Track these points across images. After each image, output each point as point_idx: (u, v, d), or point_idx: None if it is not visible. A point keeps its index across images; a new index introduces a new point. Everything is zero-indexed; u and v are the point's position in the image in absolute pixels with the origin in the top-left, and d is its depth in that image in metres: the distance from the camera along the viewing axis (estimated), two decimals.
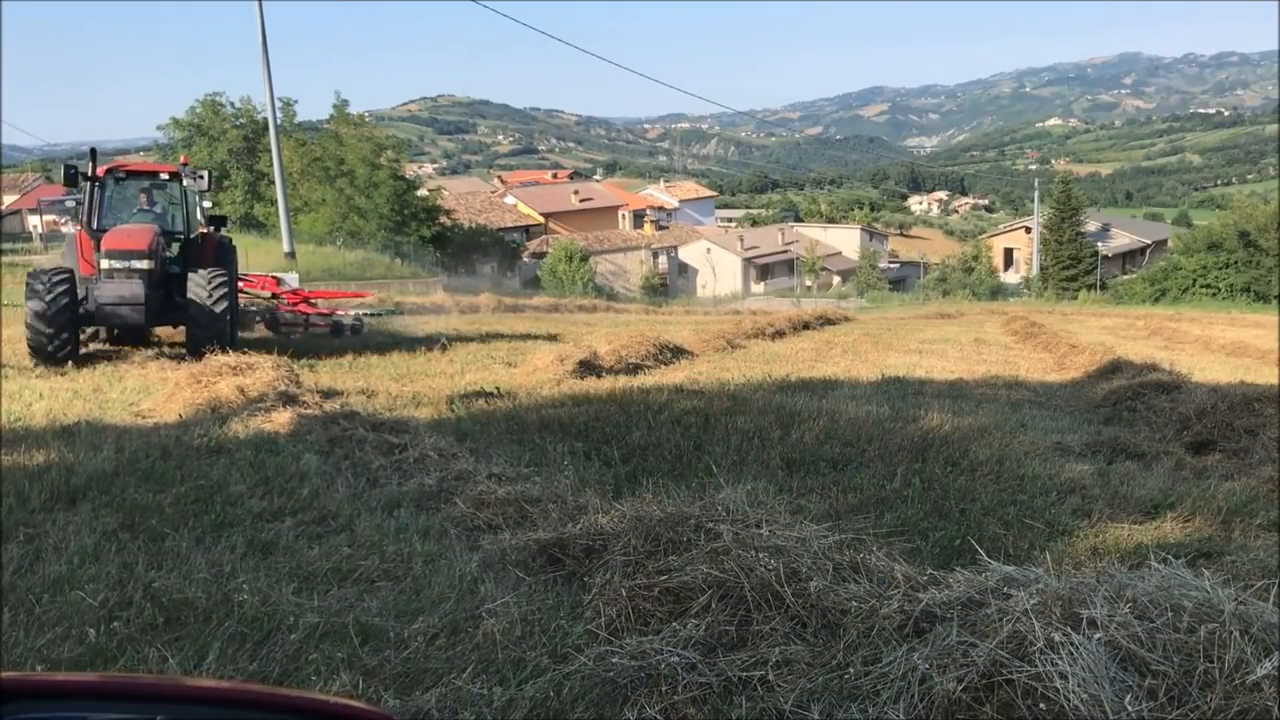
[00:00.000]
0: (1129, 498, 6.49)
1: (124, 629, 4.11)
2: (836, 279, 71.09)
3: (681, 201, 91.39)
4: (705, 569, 4.20)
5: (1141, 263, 68.73)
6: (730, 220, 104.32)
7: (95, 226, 14.55)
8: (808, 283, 67.62)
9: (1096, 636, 3.15)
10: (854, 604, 3.95)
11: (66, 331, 13.22)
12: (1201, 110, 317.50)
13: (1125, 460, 7.91)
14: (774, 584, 4.06)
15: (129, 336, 15.49)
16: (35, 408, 9.84)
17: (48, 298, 13.07)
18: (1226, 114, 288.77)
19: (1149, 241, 74.20)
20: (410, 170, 59.96)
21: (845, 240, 78.70)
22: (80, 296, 13.71)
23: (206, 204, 16.96)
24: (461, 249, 51.20)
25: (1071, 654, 3.08)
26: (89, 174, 14.58)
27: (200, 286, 14.07)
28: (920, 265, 75.25)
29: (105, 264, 13.65)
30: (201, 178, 15.82)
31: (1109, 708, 2.92)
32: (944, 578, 4.12)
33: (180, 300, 14.16)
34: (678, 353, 16.42)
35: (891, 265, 78.24)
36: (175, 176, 15.58)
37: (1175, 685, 2.99)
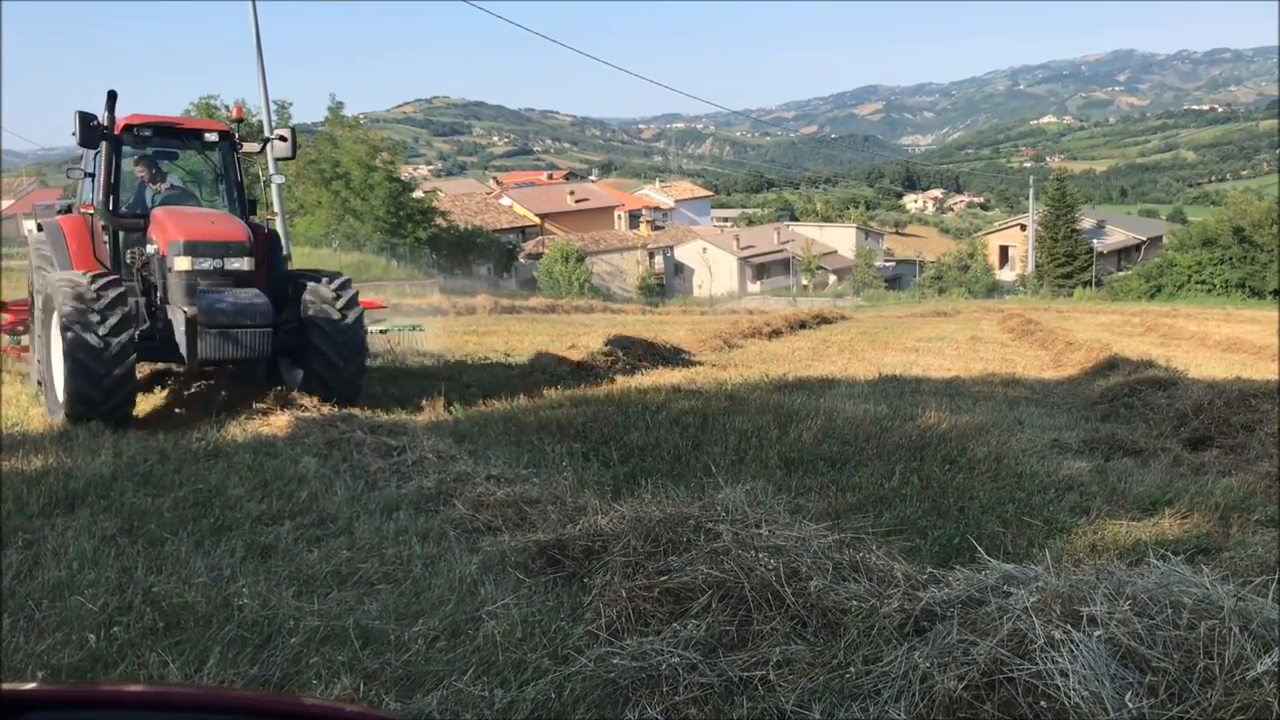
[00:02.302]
0: (1127, 494, 6.50)
1: (124, 634, 4.10)
2: (832, 278, 71.10)
3: (677, 201, 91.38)
4: (705, 569, 4.20)
5: (1137, 259, 68.80)
6: (726, 220, 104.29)
7: (115, 209, 10.16)
8: (804, 282, 67.63)
9: (1097, 634, 3.16)
10: (854, 603, 3.95)
11: (126, 375, 8.97)
12: (1195, 107, 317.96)
13: (1123, 457, 7.92)
14: (774, 584, 4.06)
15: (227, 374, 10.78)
16: (32, 413, 9.82)
17: (104, 327, 8.70)
18: (1220, 110, 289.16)
19: (1144, 238, 74.29)
20: (406, 172, 59.90)
21: (841, 239, 78.71)
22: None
23: (279, 179, 13.33)
24: (458, 250, 51.16)
25: (1072, 652, 3.09)
26: (107, 129, 9.88)
27: (326, 303, 9.99)
28: (916, 263, 75.27)
29: (183, 263, 9.35)
30: (284, 139, 11.20)
31: (1109, 705, 2.93)
32: (944, 576, 4.12)
33: (181, 329, 9.47)
34: (675, 352, 16.43)
35: (887, 264, 78.25)
36: (225, 138, 10.86)
37: (1175, 682, 3.00)
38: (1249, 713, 2.85)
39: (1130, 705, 2.92)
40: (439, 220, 51.54)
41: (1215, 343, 21.89)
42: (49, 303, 9.57)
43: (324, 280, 10.28)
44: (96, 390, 8.70)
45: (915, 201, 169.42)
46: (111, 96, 9.91)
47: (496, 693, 3.60)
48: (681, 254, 68.49)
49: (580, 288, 50.62)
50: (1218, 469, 7.36)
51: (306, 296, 10.04)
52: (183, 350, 9.34)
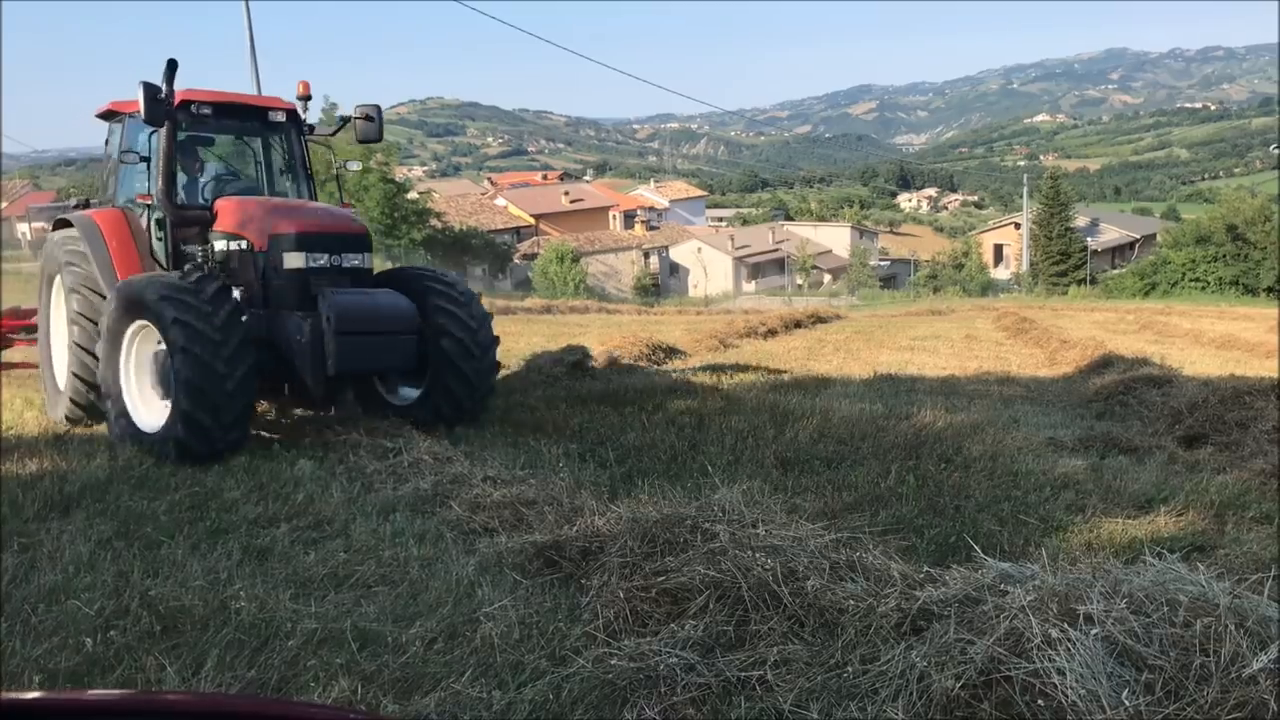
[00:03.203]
0: (1122, 492, 6.51)
1: (121, 638, 4.09)
2: (827, 277, 71.17)
3: (672, 201, 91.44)
4: (702, 569, 4.20)
5: (1131, 257, 68.99)
6: (721, 220, 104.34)
7: (176, 199, 8.74)
8: (799, 281, 67.68)
9: (1093, 632, 3.16)
10: (851, 603, 3.95)
11: (245, 399, 7.60)
12: (1188, 105, 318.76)
13: (1118, 455, 7.94)
14: (771, 584, 4.07)
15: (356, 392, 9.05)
16: (27, 416, 9.80)
17: (228, 348, 7.35)
18: (1213, 108, 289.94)
19: (1138, 236, 74.49)
20: (400, 173, 59.84)
21: (836, 238, 78.81)
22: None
23: (354, 166, 11.21)
24: (453, 251, 51.13)
25: (1069, 650, 3.10)
26: (167, 100, 8.21)
27: (458, 308, 8.61)
28: (911, 262, 75.38)
29: (295, 260, 8.12)
30: (370, 118, 9.67)
31: (1107, 703, 2.93)
32: (940, 575, 4.13)
33: (296, 339, 8.06)
34: (670, 352, 16.43)
35: (882, 263, 78.34)
36: (292, 118, 9.68)
37: (1172, 679, 3.01)
38: (1245, 710, 2.86)
39: (1127, 703, 2.93)
40: (434, 221, 51.51)
41: (1209, 340, 21.94)
42: (84, 305, 8.73)
43: (446, 281, 8.87)
44: (217, 424, 7.30)
45: (910, 200, 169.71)
46: (171, 66, 8.26)
47: (494, 694, 3.60)
48: (676, 254, 68.54)
49: (575, 288, 50.62)
50: (1212, 466, 7.38)
51: (436, 300, 8.50)
52: (302, 364, 7.87)
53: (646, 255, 66.75)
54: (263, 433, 8.59)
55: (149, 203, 8.85)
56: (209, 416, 7.28)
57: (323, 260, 8.27)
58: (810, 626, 3.91)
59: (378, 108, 9.77)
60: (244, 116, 9.57)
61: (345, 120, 9.87)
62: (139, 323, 7.86)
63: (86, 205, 10.24)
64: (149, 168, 8.95)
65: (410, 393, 8.92)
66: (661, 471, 7.01)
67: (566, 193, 78.89)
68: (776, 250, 72.17)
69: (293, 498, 6.40)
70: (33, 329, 13.47)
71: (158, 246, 8.99)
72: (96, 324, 8.45)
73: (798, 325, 25.75)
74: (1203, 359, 17.52)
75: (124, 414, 7.93)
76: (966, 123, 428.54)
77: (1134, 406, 10.32)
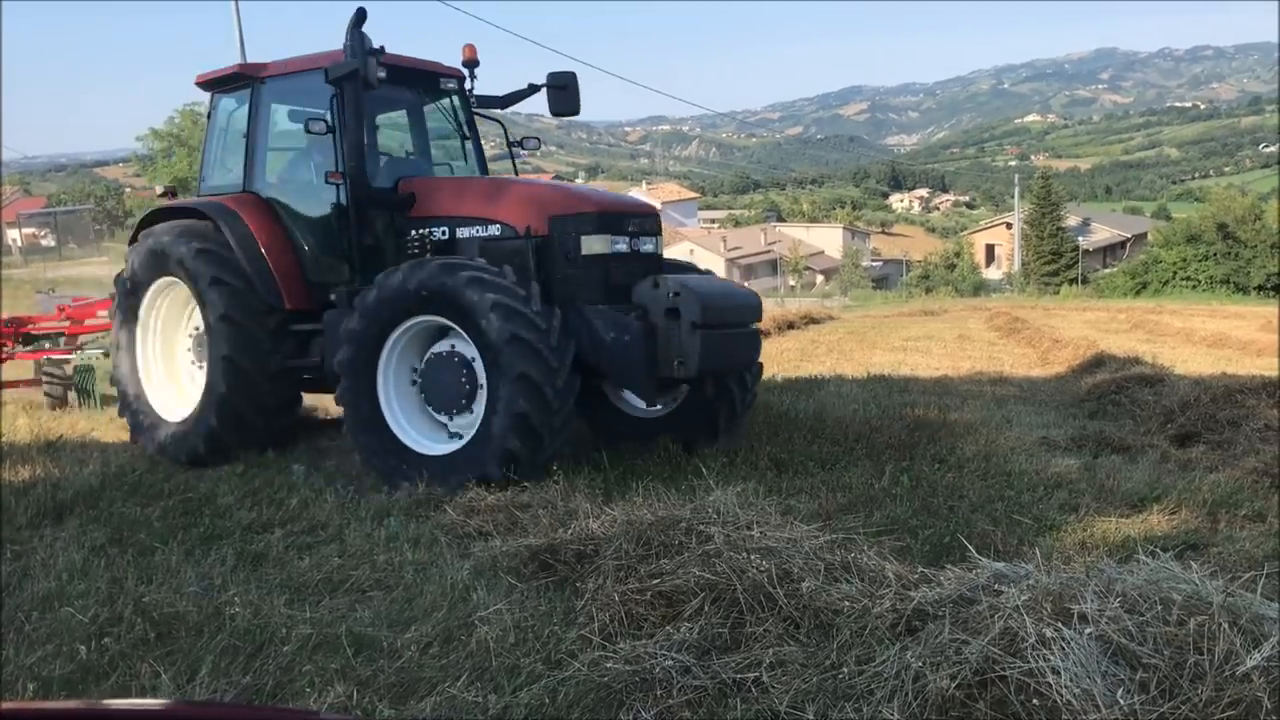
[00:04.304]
0: (1115, 491, 6.53)
1: (115, 645, 4.08)
2: (820, 278, 71.30)
3: (664, 203, 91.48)
4: (697, 572, 4.20)
5: (1122, 256, 69.19)
6: (713, 221, 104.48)
7: (365, 178, 7.48)
8: (791, 282, 67.78)
9: (1087, 631, 3.17)
10: (846, 604, 3.96)
11: (567, 430, 6.80)
12: (1178, 104, 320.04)
13: (1111, 454, 7.96)
14: (766, 585, 4.06)
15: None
16: (19, 423, 9.78)
17: (562, 377, 6.50)
18: (1203, 107, 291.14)
19: (1129, 235, 74.76)
20: None
21: (828, 239, 78.97)
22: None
23: (533, 142, 9.41)
24: None
25: (1063, 649, 3.10)
26: (373, 55, 7.17)
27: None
28: (903, 263, 75.57)
29: (597, 244, 7.08)
30: (562, 86, 8.49)
31: (1101, 702, 2.94)
32: (935, 575, 4.14)
33: (611, 338, 6.77)
34: None
35: (874, 263, 78.53)
36: (462, 85, 8.66)
37: (1166, 678, 3.01)
38: (1239, 708, 2.87)
39: (1122, 702, 2.93)
40: None
41: (1201, 339, 22.00)
42: (235, 307, 7.68)
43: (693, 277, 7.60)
44: (539, 452, 6.51)
45: (901, 201, 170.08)
46: (360, 15, 7.07)
47: (490, 698, 3.59)
48: (669, 255, 68.49)
49: None
50: (1205, 465, 7.40)
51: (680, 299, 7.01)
52: (626, 366, 6.76)
53: None
54: None
55: (339, 181, 7.64)
56: (531, 451, 6.43)
57: (622, 245, 7.20)
58: (805, 628, 3.91)
59: (573, 75, 8.56)
60: (415, 84, 8.48)
61: (534, 88, 8.62)
62: (408, 325, 6.88)
63: (174, 194, 9.52)
64: (335, 140, 7.59)
65: (655, 404, 7.66)
66: (655, 474, 7.01)
67: None
68: (769, 251, 72.29)
69: (286, 503, 6.40)
70: (31, 339, 13.23)
71: (313, 235, 7.98)
72: (250, 328, 7.72)
73: (790, 326, 25.78)
74: (1194, 358, 17.57)
75: (395, 445, 6.94)
76: (957, 123, 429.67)
77: (1126, 406, 10.34)
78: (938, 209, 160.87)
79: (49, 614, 4.46)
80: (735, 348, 7.16)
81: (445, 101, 8.79)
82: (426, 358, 6.97)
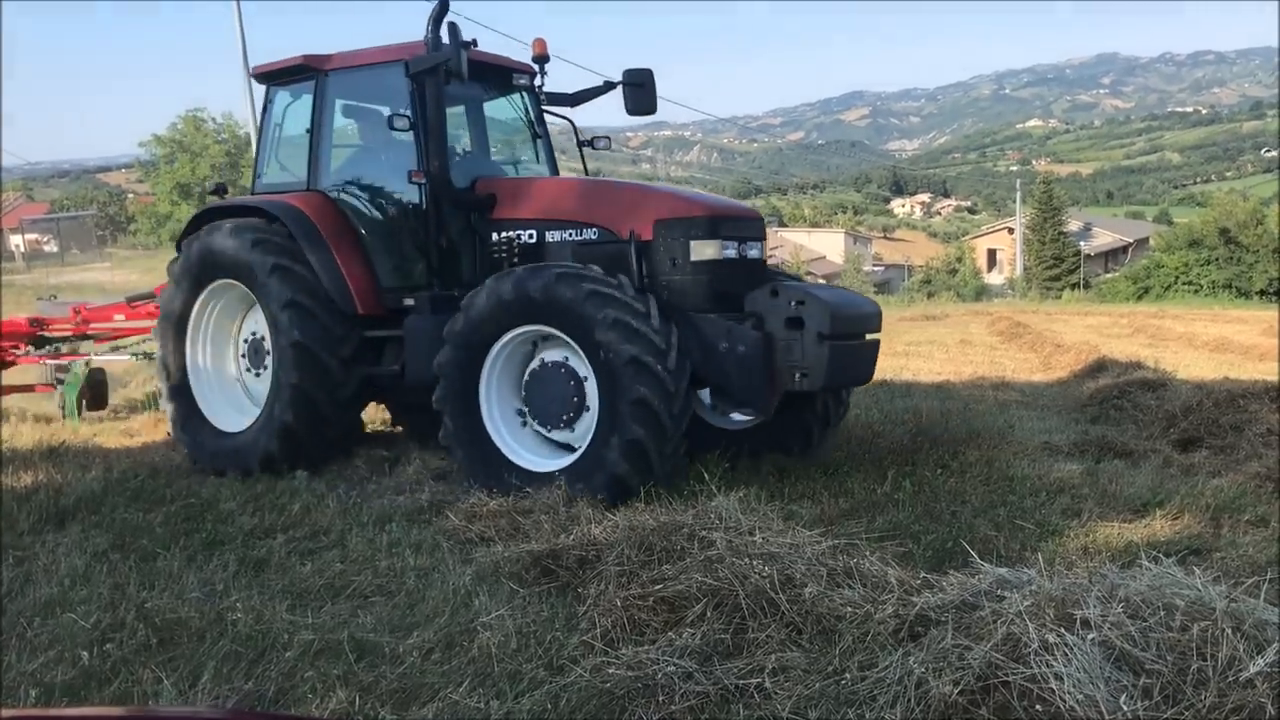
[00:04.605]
0: (1118, 496, 6.52)
1: (117, 651, 4.08)
2: (821, 283, 71.28)
3: None
4: (700, 577, 4.20)
5: (1124, 261, 69.18)
6: None
7: (448, 177, 7.22)
8: None
9: (1090, 637, 3.17)
10: (849, 609, 3.96)
11: (680, 436, 6.32)
12: (1179, 109, 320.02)
13: (1113, 459, 7.94)
14: (768, 591, 4.06)
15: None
16: (21, 429, 9.79)
17: (679, 401, 6.16)
18: (1204, 112, 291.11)
19: (1131, 240, 74.75)
20: None
21: (830, 244, 78.91)
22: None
23: (603, 142, 8.87)
24: None
25: (1066, 655, 3.10)
26: (466, 48, 6.89)
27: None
28: (905, 268, 75.56)
29: (708, 250, 6.71)
30: (642, 85, 8.11)
31: (1104, 708, 2.94)
32: (937, 581, 4.14)
33: (724, 349, 6.42)
34: None
35: (876, 268, 78.47)
36: (532, 82, 8.36)
37: (1170, 684, 3.01)
38: (1243, 714, 2.86)
39: (1125, 708, 2.93)
40: None
41: (1203, 343, 21.98)
42: (304, 315, 7.30)
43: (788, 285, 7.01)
44: (648, 477, 6.09)
45: (903, 206, 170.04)
46: (444, 5, 6.88)
47: (492, 704, 3.59)
48: None
49: None
50: (1208, 470, 7.38)
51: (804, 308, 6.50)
52: (739, 379, 6.36)
53: None
54: None
55: (421, 181, 7.31)
56: (640, 477, 6.07)
57: (731, 250, 6.83)
58: (808, 633, 3.91)
59: (649, 72, 8.14)
60: (486, 79, 8.02)
61: (609, 85, 8.24)
62: (515, 334, 6.58)
63: (224, 191, 9.14)
64: (419, 137, 7.30)
65: (743, 416, 7.02)
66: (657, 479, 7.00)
67: None
68: (771, 256, 71.93)
69: (289, 508, 6.40)
70: (44, 341, 12.14)
71: (387, 237, 7.63)
72: (323, 357, 7.35)
73: None
74: (1197, 362, 17.55)
75: (497, 457, 6.63)
76: (959, 128, 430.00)
77: (1129, 410, 10.32)
78: (939, 214, 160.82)
79: (51, 620, 4.47)
80: (859, 360, 6.77)
81: (516, 98, 8.47)
82: (530, 369, 6.66)
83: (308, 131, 7.93)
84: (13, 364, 12.17)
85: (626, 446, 6.05)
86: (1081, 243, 67.11)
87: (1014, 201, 73.55)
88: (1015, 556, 5.03)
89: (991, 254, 77.17)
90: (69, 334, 12.26)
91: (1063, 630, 3.21)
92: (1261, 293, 46.16)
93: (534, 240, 7.21)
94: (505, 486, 6.30)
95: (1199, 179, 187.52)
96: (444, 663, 3.98)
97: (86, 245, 55.74)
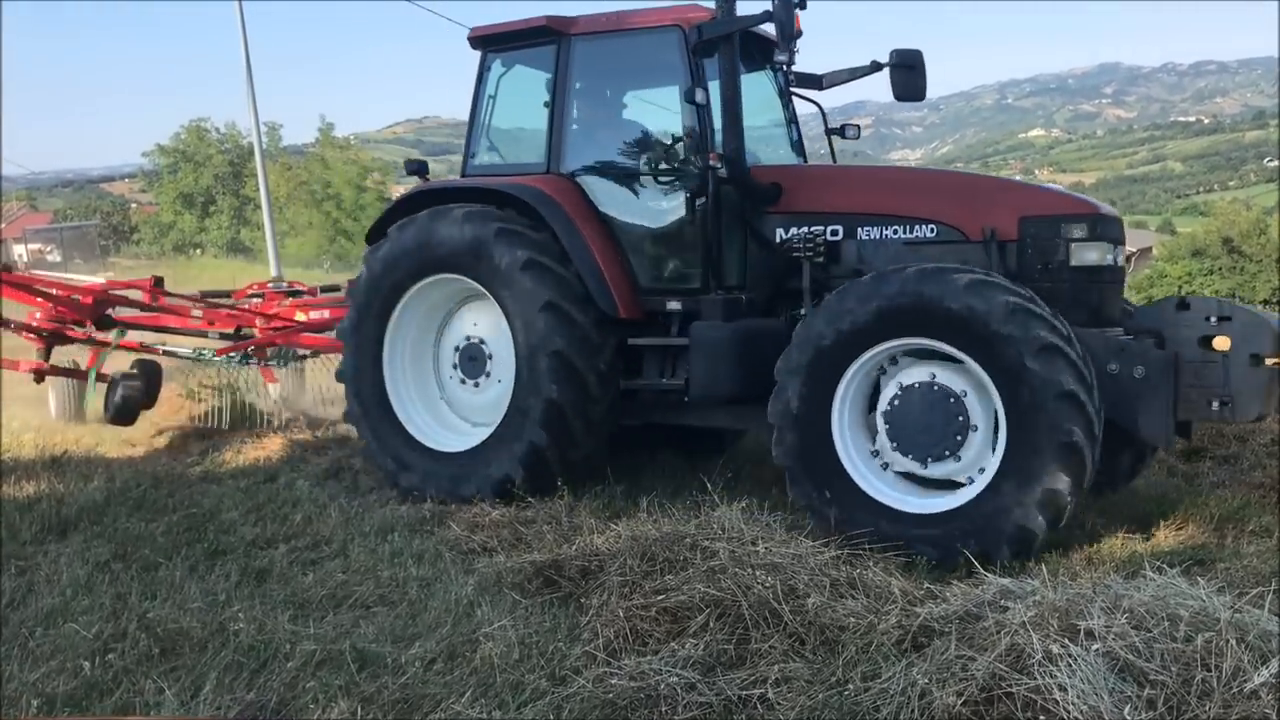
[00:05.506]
0: (1121, 507, 6.50)
1: (119, 661, 4.08)
2: None
3: None
4: (703, 588, 4.19)
5: (1127, 270, 69.17)
6: None
7: (744, 163, 6.32)
8: None
9: (1094, 647, 3.16)
10: (852, 620, 3.95)
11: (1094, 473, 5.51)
12: (1182, 118, 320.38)
13: None
14: (771, 601, 4.06)
15: None
16: (24, 439, 9.79)
17: (1096, 395, 5.32)
18: (1206, 121, 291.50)
19: (1134, 249, 74.49)
20: (397, 192, 60.04)
21: None
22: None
23: (852, 133, 7.94)
24: None
25: (1070, 666, 3.09)
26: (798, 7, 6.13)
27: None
28: None
29: (1093, 253, 5.88)
30: (913, 67, 6.81)
31: (1108, 719, 2.93)
32: (941, 591, 4.13)
33: (1117, 370, 5.54)
34: None
35: None
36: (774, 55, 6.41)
37: (1174, 695, 3.00)
38: None
39: (1129, 719, 2.92)
40: None
41: None
42: (563, 318, 6.40)
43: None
44: (1055, 529, 5.32)
45: None
46: None
47: (495, 715, 3.59)
48: None
49: None
50: (1211, 480, 7.37)
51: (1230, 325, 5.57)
52: (1140, 409, 5.44)
53: None
54: (255, 455, 8.56)
55: (718, 164, 6.24)
56: (1050, 529, 5.25)
57: (1110, 256, 5.96)
58: (811, 644, 3.90)
59: (919, 53, 6.80)
60: (750, 55, 6.90)
61: (877, 65, 7.01)
62: (884, 349, 5.54)
63: (424, 171, 7.71)
64: (701, 117, 6.35)
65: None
66: (661, 489, 7.00)
67: None
68: None
69: (291, 518, 6.40)
70: (110, 324, 9.52)
71: (651, 229, 6.71)
72: (586, 342, 6.45)
73: None
74: None
75: (852, 492, 5.57)
76: (962, 138, 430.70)
77: None
78: None
79: (53, 630, 4.47)
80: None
81: (770, 77, 7.49)
82: (894, 392, 5.55)
83: (546, 105, 6.96)
84: (69, 341, 10.19)
85: (1046, 497, 5.11)
86: None
87: None
88: (1019, 567, 5.02)
89: None
90: (138, 322, 10.56)
91: (1067, 641, 3.21)
92: (1265, 302, 46.06)
93: (839, 237, 6.26)
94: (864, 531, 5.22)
95: (1202, 188, 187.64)
96: (446, 673, 3.98)
97: (90, 255, 55.80)
